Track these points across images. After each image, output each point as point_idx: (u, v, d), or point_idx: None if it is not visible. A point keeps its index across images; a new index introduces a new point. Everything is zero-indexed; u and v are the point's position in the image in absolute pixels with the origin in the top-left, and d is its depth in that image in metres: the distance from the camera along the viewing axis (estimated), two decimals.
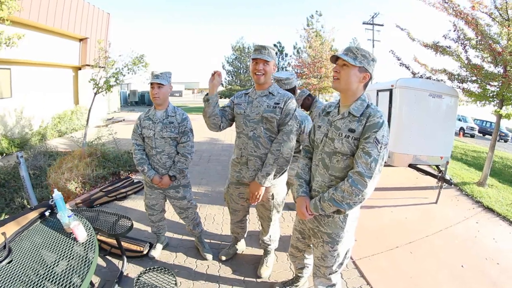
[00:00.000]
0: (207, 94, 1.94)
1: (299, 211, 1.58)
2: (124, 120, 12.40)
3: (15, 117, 7.60)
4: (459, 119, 18.34)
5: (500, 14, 4.51)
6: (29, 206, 2.93)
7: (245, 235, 2.61)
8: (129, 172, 4.93)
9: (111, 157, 5.17)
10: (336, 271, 1.64)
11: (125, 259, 2.40)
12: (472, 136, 17.36)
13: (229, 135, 8.40)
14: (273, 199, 2.04)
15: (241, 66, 22.41)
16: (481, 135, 17.87)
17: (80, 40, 10.23)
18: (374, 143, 1.30)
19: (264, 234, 2.29)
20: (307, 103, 3.23)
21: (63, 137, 8.48)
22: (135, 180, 4.43)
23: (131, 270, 2.35)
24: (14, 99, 7.64)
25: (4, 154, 6.01)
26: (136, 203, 3.69)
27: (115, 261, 2.45)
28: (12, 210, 3.45)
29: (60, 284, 1.30)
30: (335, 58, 1.46)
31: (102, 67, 5.10)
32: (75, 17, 9.25)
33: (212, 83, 1.89)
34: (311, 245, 1.78)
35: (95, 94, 5.17)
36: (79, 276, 1.36)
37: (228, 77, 27.11)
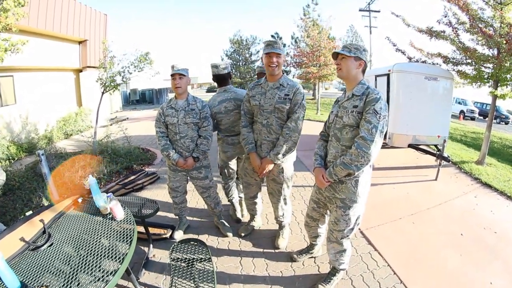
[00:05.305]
0: None
1: (317, 179, 1.86)
2: (128, 118, 12.47)
3: (20, 122, 7.66)
4: (459, 103, 18.34)
5: None
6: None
7: (259, 213, 2.82)
8: (142, 165, 5.09)
9: (122, 153, 5.34)
10: (347, 236, 1.88)
11: (151, 245, 2.55)
12: (473, 119, 17.41)
13: None
14: (283, 172, 2.28)
15: (240, 59, 21.99)
16: (482, 118, 17.87)
17: (80, 42, 10.31)
18: (374, 113, 1.59)
19: (277, 212, 2.50)
20: None
21: (69, 138, 8.58)
22: (149, 172, 4.60)
23: (156, 253, 2.54)
24: (18, 105, 7.71)
25: (15, 159, 6.03)
26: (153, 193, 3.85)
27: (140, 245, 2.60)
28: (31, 209, 3.52)
29: (107, 256, 1.44)
30: (336, 55, 1.77)
31: (107, 67, 5.20)
32: (73, 21, 9.32)
33: None
34: (327, 212, 2.01)
35: (103, 93, 5.30)
36: (125, 242, 1.54)
37: None
